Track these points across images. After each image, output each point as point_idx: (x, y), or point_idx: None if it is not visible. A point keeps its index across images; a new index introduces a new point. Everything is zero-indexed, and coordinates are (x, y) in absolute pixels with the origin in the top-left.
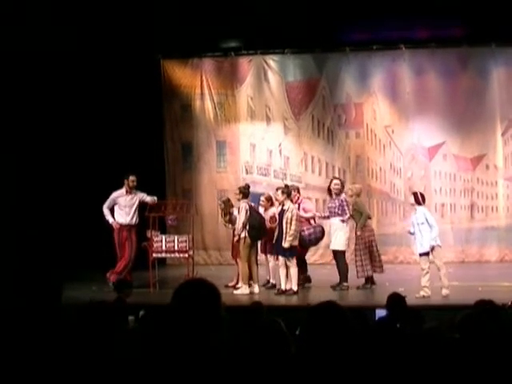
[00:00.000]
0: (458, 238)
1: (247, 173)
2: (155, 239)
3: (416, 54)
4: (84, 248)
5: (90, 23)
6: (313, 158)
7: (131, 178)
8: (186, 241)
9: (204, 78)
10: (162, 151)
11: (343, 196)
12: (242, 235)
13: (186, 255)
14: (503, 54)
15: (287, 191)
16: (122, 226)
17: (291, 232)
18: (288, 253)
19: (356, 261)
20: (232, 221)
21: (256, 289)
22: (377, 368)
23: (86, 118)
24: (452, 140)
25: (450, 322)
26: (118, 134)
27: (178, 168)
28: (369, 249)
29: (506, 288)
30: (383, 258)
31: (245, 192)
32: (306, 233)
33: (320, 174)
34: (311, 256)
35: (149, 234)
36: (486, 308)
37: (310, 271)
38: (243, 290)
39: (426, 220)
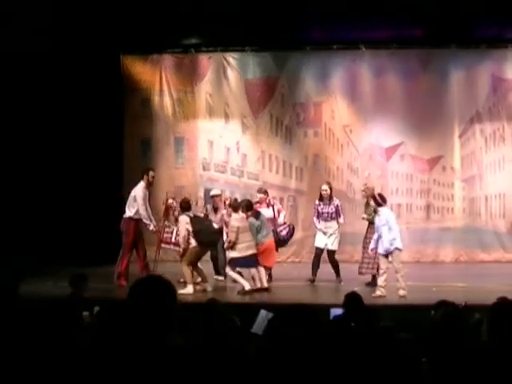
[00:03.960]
0: (414, 238)
1: (205, 169)
2: (166, 230)
3: (376, 54)
4: (47, 243)
5: (50, 19)
6: (270, 156)
7: (151, 173)
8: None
9: (163, 74)
10: (121, 146)
11: (337, 201)
12: (191, 246)
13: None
14: (463, 56)
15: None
16: (138, 221)
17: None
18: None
19: (371, 258)
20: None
21: (208, 287)
22: (330, 366)
23: (47, 112)
24: (410, 141)
25: (404, 321)
26: (77, 129)
27: (137, 164)
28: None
29: (460, 288)
30: (340, 257)
31: (184, 206)
32: (284, 233)
33: (277, 172)
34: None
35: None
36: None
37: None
38: (188, 289)
39: (387, 222)
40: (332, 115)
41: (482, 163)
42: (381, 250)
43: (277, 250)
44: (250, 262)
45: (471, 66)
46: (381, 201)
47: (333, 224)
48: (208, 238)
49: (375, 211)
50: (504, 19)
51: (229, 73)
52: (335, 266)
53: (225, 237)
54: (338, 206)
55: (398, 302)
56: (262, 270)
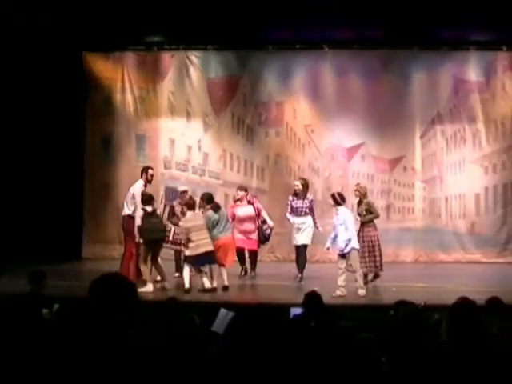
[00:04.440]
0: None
1: (166, 168)
2: (176, 231)
3: (338, 54)
4: (5, 240)
5: (12, 15)
6: (232, 155)
7: (150, 171)
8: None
9: (126, 71)
10: (82, 144)
11: (311, 197)
12: (141, 240)
13: (179, 248)
14: (425, 57)
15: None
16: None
17: None
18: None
19: (364, 257)
20: None
21: (167, 285)
22: (290, 366)
23: (8, 109)
24: (371, 141)
25: (364, 321)
26: (38, 126)
27: (98, 161)
28: (374, 247)
29: (420, 289)
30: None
31: (143, 199)
32: (269, 231)
33: (239, 171)
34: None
35: None
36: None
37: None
38: (148, 287)
39: (344, 221)
40: (294, 115)
41: (442, 164)
42: (337, 250)
43: (258, 246)
44: (205, 259)
45: (433, 68)
46: (340, 200)
47: (307, 219)
48: (151, 235)
49: (367, 211)
50: (465, 21)
51: (191, 71)
52: (299, 260)
53: None
54: (312, 201)
55: (357, 302)
56: (218, 268)
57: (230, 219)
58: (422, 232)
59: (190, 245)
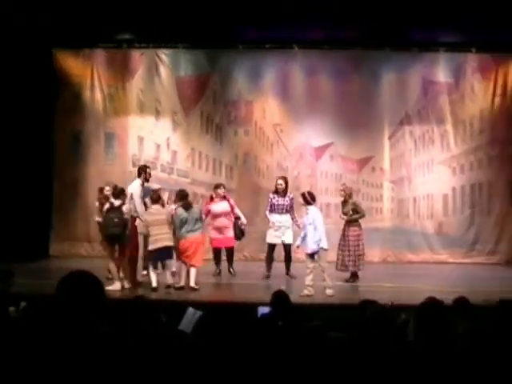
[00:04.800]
0: None
1: (134, 166)
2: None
3: (309, 54)
4: None
5: None
6: (200, 153)
7: (149, 170)
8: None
9: (95, 69)
10: (51, 141)
11: (291, 195)
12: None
13: None
14: (395, 58)
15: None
16: (136, 219)
17: None
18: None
19: (345, 256)
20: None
21: (126, 284)
22: (257, 364)
23: None
24: (340, 141)
25: (332, 320)
26: (7, 123)
27: (67, 159)
28: (357, 246)
29: (387, 288)
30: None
31: (113, 193)
32: (243, 226)
33: (207, 170)
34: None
35: None
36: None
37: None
38: (115, 285)
39: (313, 221)
40: (263, 114)
41: (410, 165)
42: (306, 249)
43: (235, 243)
44: (163, 254)
45: (402, 69)
46: (310, 199)
47: (287, 218)
48: (106, 231)
49: (354, 211)
50: (436, 23)
51: (161, 69)
52: (289, 260)
53: None
54: (292, 199)
55: (325, 302)
56: (186, 267)
57: (204, 216)
58: (389, 232)
59: (149, 239)
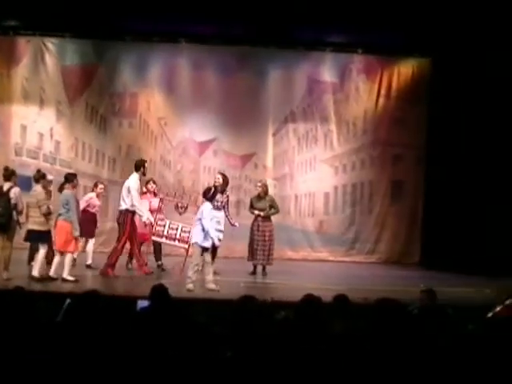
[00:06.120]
0: (224, 234)
1: (17, 155)
2: (159, 223)
3: (195, 49)
4: None
5: None
6: (84, 144)
7: (146, 164)
8: (188, 231)
9: None
10: None
11: (228, 192)
12: None
13: (186, 246)
14: (281, 56)
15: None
16: (134, 213)
17: None
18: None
19: (257, 250)
20: None
21: (5, 275)
22: (132, 357)
23: None
24: (224, 137)
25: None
26: None
27: None
28: (271, 241)
29: (268, 285)
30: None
31: (3, 174)
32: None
33: (90, 161)
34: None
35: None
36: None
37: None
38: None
39: (203, 217)
40: (148, 107)
41: (293, 162)
42: (195, 244)
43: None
44: (35, 237)
45: (288, 67)
46: (210, 196)
47: (221, 214)
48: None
49: (271, 207)
50: (323, 23)
51: (47, 58)
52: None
53: None
54: (228, 196)
55: (207, 296)
56: (58, 256)
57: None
58: None
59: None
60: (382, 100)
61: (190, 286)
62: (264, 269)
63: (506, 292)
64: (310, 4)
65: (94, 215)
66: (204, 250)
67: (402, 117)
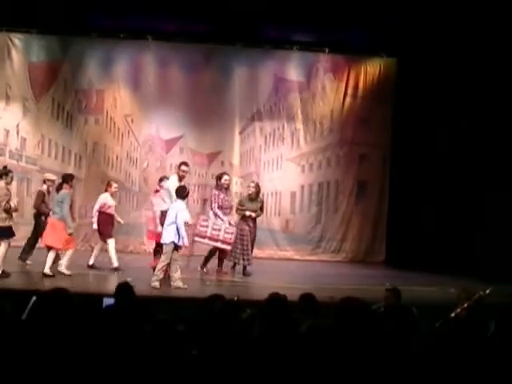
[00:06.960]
0: (190, 231)
1: None
2: (202, 223)
3: (162, 46)
4: None
5: None
6: (50, 141)
7: (182, 167)
8: (231, 233)
9: None
10: None
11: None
12: None
13: (229, 247)
14: (247, 54)
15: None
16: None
17: None
18: None
19: (237, 248)
20: None
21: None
22: (100, 356)
23: None
24: (190, 134)
25: (178, 313)
26: None
27: None
28: (252, 241)
29: (234, 283)
30: (116, 246)
31: None
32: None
33: (56, 157)
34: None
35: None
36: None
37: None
38: None
39: (175, 216)
40: (114, 104)
41: (260, 161)
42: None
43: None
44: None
45: (255, 65)
46: (184, 194)
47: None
48: None
49: (261, 209)
50: (289, 21)
51: (13, 54)
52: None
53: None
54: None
55: (173, 295)
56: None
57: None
58: None
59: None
60: (348, 99)
61: (178, 283)
62: (245, 268)
63: (466, 293)
64: (276, 2)
65: (110, 215)
66: (176, 248)
67: (368, 116)
